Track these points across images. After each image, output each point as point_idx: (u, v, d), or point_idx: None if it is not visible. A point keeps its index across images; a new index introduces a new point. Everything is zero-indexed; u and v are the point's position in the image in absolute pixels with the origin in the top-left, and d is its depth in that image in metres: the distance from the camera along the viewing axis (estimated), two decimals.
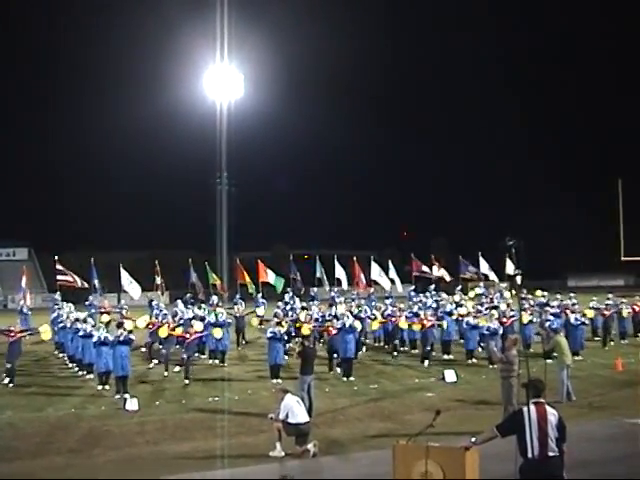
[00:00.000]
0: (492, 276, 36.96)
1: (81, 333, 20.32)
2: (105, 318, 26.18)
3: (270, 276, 34.01)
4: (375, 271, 35.55)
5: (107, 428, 14.51)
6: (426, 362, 21.61)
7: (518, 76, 71.71)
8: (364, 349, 24.37)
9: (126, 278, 30.97)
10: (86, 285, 31.64)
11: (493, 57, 71.14)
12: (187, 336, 20.42)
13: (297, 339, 25.96)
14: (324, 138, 66.23)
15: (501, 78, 71.79)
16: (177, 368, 20.64)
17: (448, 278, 36.55)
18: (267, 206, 68.17)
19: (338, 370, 20.44)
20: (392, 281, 35.77)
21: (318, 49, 61.73)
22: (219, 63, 42.59)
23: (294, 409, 12.46)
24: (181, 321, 22.86)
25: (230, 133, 43.50)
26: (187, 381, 19.30)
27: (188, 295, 30.54)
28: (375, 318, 24.81)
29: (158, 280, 33.00)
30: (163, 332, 21.71)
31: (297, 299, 30.08)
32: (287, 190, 67.55)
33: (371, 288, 34.73)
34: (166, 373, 20.54)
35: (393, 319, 23.96)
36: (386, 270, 36.24)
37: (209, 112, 44.53)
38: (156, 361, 21.94)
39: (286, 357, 21.65)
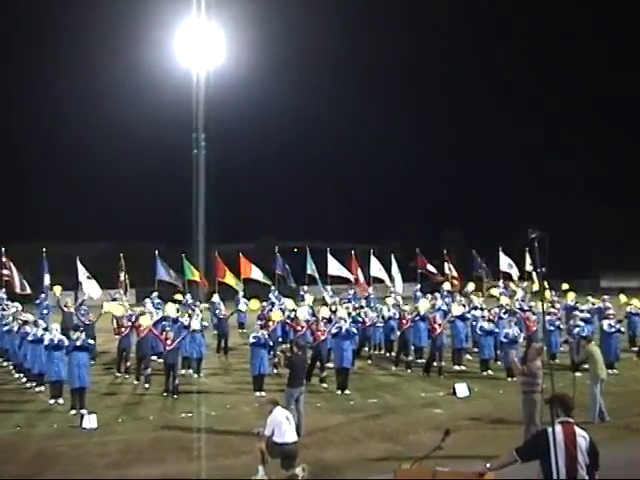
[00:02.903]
0: (514, 274, 36.82)
1: (30, 338, 20.13)
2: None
3: (255, 271, 33.97)
4: (375, 267, 35.46)
5: (60, 449, 14.39)
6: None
7: (549, 63, 71.86)
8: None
9: (83, 273, 30.73)
10: (28, 291, 31.17)
11: (521, 43, 71.35)
12: (167, 342, 19.93)
13: (285, 345, 25.99)
14: (321, 116, 65.89)
15: (530, 63, 72.13)
16: (147, 385, 20.62)
17: (448, 286, 35.56)
18: (251, 192, 68.00)
19: (324, 385, 20.42)
20: (392, 279, 35.65)
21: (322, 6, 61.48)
22: (195, 19, 41.90)
23: (282, 426, 12.29)
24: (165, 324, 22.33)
25: (208, 108, 43.08)
26: (176, 396, 19.19)
27: (155, 293, 30.37)
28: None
29: (122, 276, 32.80)
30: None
31: (286, 300, 29.92)
32: (277, 175, 67.52)
33: (370, 287, 34.76)
34: (147, 385, 20.58)
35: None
36: (388, 266, 36.12)
37: (183, 82, 44.14)
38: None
39: (275, 370, 21.68)
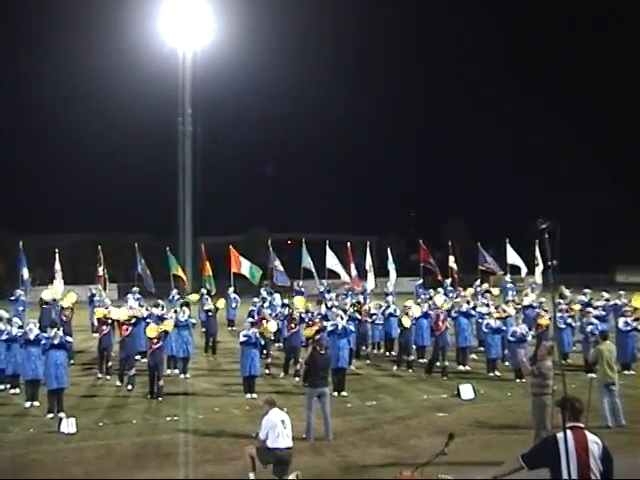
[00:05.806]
0: (523, 268, 36.84)
1: (4, 336, 20.05)
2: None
3: (244, 266, 33.82)
4: (367, 262, 35.39)
5: (35, 456, 14.30)
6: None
7: (557, 51, 72.13)
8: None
9: (57, 270, 30.61)
10: None
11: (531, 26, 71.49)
12: (153, 340, 19.76)
13: (278, 344, 26.02)
14: (316, 99, 65.83)
15: (531, 55, 72.31)
16: (130, 386, 20.53)
17: (445, 281, 35.37)
18: (241, 181, 67.87)
19: (296, 379, 20.53)
20: (387, 274, 35.59)
21: None
22: None
23: (276, 429, 12.18)
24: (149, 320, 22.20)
25: (195, 93, 42.78)
26: (160, 398, 19.14)
27: (135, 289, 30.38)
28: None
29: (100, 270, 32.77)
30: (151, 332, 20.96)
31: (277, 295, 30.02)
32: (267, 162, 67.35)
33: (362, 282, 34.76)
34: (130, 387, 20.50)
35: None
36: (385, 260, 36.07)
37: (169, 62, 43.87)
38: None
39: (267, 371, 21.74)
